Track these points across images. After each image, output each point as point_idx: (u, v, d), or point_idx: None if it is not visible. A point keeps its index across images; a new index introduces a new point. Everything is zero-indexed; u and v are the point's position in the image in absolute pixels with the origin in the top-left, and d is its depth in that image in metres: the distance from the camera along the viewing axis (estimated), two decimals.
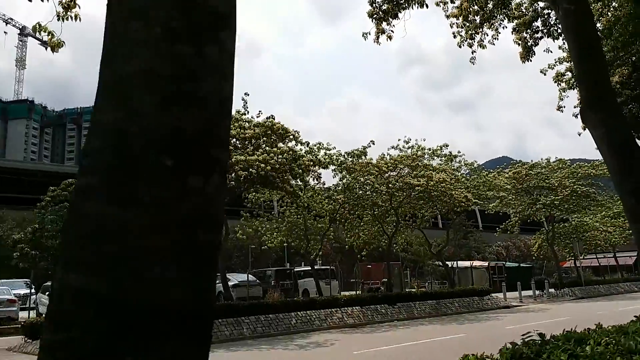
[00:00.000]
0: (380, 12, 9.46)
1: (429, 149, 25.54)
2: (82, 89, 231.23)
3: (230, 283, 26.24)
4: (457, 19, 11.67)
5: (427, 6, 10.00)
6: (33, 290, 26.91)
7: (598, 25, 13.07)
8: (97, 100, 1.41)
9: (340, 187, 23.69)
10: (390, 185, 24.37)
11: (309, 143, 21.38)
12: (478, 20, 11.36)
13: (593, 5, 12.83)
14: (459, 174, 27.00)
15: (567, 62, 13.81)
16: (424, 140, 25.55)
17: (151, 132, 1.30)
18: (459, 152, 27.05)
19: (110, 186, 1.28)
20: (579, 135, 17.23)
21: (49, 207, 38.83)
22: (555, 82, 14.28)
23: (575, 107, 14.87)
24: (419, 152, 24.92)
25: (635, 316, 5.90)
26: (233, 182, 18.04)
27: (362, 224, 27.05)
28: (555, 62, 13.87)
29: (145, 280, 1.24)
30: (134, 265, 1.23)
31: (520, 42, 11.82)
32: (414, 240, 34.72)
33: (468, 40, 11.61)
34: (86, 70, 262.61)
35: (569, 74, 14.08)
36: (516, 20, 11.91)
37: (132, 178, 1.28)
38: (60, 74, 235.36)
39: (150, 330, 1.23)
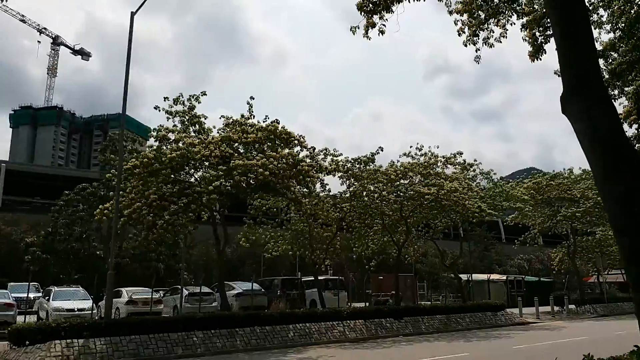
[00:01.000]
0: (370, 5, 8.71)
1: (443, 157, 24.53)
2: (109, 96, 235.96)
3: (233, 292, 25.64)
4: (462, 15, 10.84)
5: None
6: (39, 294, 26.73)
7: (619, 24, 12.10)
8: None
9: (347, 195, 22.85)
10: (400, 193, 23.45)
11: (314, 148, 20.71)
12: (483, 16, 10.49)
13: (615, 2, 11.87)
14: (474, 183, 25.84)
15: None
16: (437, 148, 24.51)
17: None
18: (475, 160, 25.92)
19: None
20: None
21: (62, 212, 39.18)
22: None
23: None
24: (432, 160, 23.94)
25: (635, 346, 4.96)
26: (229, 187, 17.39)
27: (371, 233, 26.14)
28: None
29: None
30: None
31: (529, 39, 10.90)
32: (430, 252, 33.60)
33: (472, 37, 10.76)
34: (113, 77, 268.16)
35: None
36: (526, 17, 11.00)
37: None
38: (90, 81, 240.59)
39: None
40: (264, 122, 19.65)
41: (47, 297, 23.28)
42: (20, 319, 19.79)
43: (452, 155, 24.39)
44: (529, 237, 32.87)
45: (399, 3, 9.15)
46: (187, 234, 24.97)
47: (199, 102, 19.15)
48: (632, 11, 11.09)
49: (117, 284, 30.88)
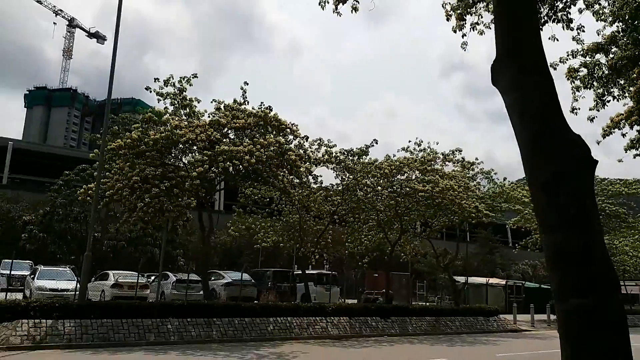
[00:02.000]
0: None
1: (442, 154, 23.81)
2: (124, 80, 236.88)
3: (222, 281, 25.24)
4: None
5: None
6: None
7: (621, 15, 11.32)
8: None
9: (340, 188, 22.24)
10: (396, 189, 22.80)
11: (307, 138, 20.14)
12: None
13: None
14: (474, 183, 25.06)
15: (582, 57, 12.04)
16: (437, 144, 23.83)
17: None
18: (476, 159, 25.12)
19: None
20: (619, 161, 15.09)
21: (61, 191, 39.04)
22: (568, 79, 12.50)
23: (592, 117, 12.98)
24: (430, 156, 23.23)
25: None
26: (215, 174, 16.87)
27: (365, 229, 25.52)
28: (568, 56, 12.07)
29: None
30: None
31: None
32: (430, 252, 32.88)
33: (459, 22, 10.07)
34: (129, 62, 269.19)
35: (584, 70, 12.31)
36: None
37: None
38: (105, 65, 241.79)
39: None
40: (259, 108, 19.14)
41: (32, 276, 23.09)
42: (1, 295, 19.52)
43: (450, 152, 23.67)
44: (530, 242, 31.95)
45: None
46: (185, 221, 24.66)
47: (190, 85, 18.65)
48: (635, 1, 10.31)
49: (112, 267, 30.91)
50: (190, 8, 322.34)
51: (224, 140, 18.22)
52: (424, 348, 15.96)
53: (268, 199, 23.58)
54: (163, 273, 27.15)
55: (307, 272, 27.95)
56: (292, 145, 18.32)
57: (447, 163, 23.79)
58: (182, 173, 16.79)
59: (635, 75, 12.77)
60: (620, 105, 13.78)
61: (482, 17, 10.07)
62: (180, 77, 18.38)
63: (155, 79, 18.45)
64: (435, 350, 15.53)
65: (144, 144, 16.75)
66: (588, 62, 12.18)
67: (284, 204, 23.45)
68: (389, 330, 19.45)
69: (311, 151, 20.65)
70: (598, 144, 14.66)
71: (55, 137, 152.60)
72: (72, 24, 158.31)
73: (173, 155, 18.51)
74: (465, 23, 9.99)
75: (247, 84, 19.42)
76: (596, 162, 3.37)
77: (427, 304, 30.13)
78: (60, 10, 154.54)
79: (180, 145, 17.78)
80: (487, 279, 35.71)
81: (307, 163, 19.08)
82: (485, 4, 10.06)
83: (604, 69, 12.28)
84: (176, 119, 17.40)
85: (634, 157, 14.60)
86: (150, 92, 18.67)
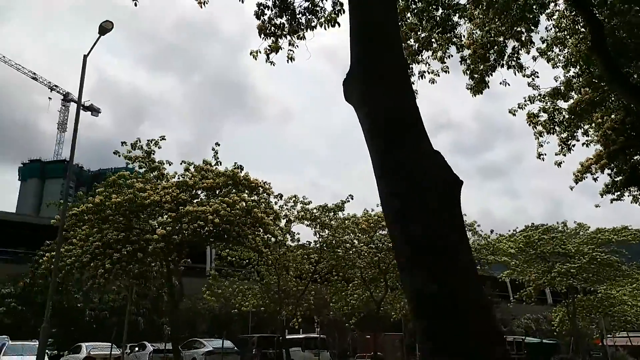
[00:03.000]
0: (273, 27, 7.92)
1: None
2: (119, 149, 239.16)
3: (203, 350, 23.97)
4: None
5: (339, 25, 8.37)
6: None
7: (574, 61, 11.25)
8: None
9: (318, 245, 21.57)
10: (376, 244, 22.14)
11: (281, 196, 19.75)
12: (416, 46, 9.69)
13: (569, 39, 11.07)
14: None
15: (540, 102, 11.87)
16: None
17: None
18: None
19: None
20: (611, 202, 14.39)
21: (42, 262, 37.99)
22: (529, 124, 12.27)
23: (558, 161, 12.64)
24: None
25: None
26: (181, 236, 16.27)
27: (350, 288, 24.58)
28: (526, 101, 11.90)
29: None
30: None
31: (469, 73, 10.04)
32: None
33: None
34: (123, 133, 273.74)
35: (545, 115, 12.10)
36: (467, 50, 10.18)
37: None
38: (99, 136, 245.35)
39: None
40: (234, 169, 18.86)
41: (2, 353, 22.17)
42: None
43: None
44: (524, 295, 30.84)
45: (309, 30, 8.32)
46: (176, 285, 23.74)
47: (158, 147, 18.45)
48: (583, 47, 10.21)
49: (94, 338, 29.57)
50: (182, 79, 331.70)
51: (194, 201, 17.80)
52: None
53: (246, 260, 22.83)
54: (140, 343, 25.98)
55: (293, 336, 26.73)
56: (260, 204, 17.85)
57: None
58: (146, 236, 16.21)
59: (600, 120, 12.60)
60: (590, 149, 13.51)
61: (429, 65, 9.97)
62: (148, 140, 18.21)
63: (122, 142, 18.25)
64: None
65: (108, 207, 16.31)
66: (547, 107, 12.03)
67: (261, 264, 22.66)
68: None
69: (287, 209, 20.19)
70: (571, 189, 14.28)
71: (49, 208, 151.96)
72: (66, 98, 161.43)
73: (142, 218, 18.00)
74: (412, 72, 9.83)
75: (219, 144, 19.21)
76: (461, 182, 2.89)
77: None
78: (56, 86, 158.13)
79: (148, 208, 17.33)
80: None
81: (278, 220, 18.54)
82: (432, 51, 9.98)
83: (564, 113, 12.11)
84: (140, 181, 17.02)
85: (611, 202, 14.14)
86: (119, 156, 18.46)
